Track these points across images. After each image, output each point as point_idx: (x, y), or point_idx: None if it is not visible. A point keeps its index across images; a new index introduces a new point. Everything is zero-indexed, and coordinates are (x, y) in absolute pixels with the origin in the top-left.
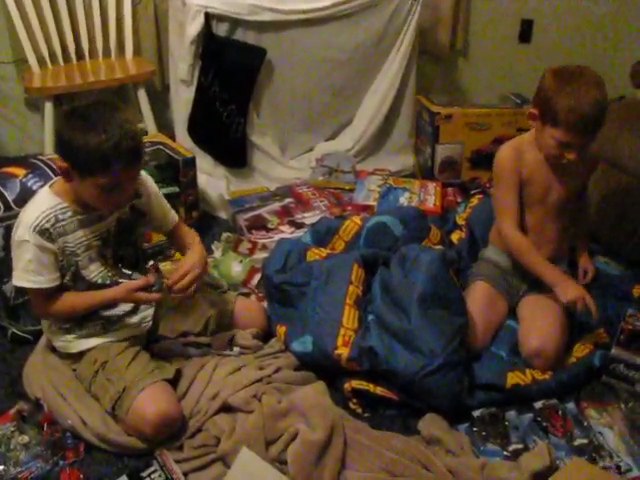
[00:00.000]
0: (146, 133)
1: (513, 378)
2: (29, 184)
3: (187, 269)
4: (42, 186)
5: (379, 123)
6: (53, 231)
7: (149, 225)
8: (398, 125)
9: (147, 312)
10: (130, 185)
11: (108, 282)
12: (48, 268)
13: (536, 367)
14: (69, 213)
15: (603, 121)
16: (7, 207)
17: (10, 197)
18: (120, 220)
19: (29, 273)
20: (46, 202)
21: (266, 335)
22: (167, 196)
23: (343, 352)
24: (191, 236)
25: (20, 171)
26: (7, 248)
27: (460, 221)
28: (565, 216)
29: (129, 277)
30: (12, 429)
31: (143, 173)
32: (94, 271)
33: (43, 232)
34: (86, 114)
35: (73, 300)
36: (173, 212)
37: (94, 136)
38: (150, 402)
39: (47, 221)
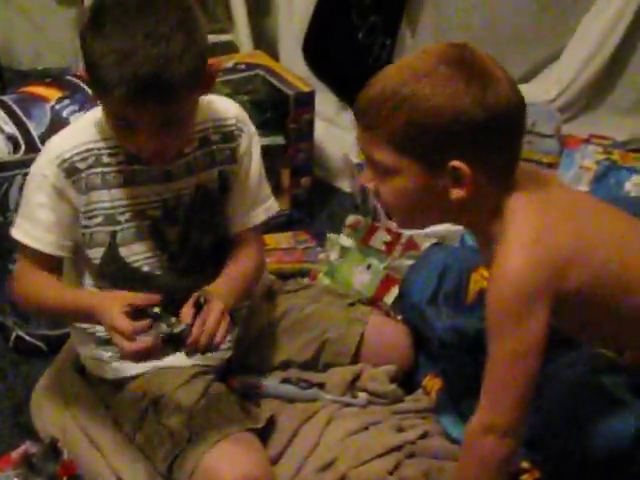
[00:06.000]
0: (237, 50)
1: None
2: (64, 114)
3: (214, 318)
4: None
5: (601, 65)
6: (86, 176)
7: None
8: (629, 71)
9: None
10: (155, 132)
11: (159, 273)
12: (61, 226)
13: None
14: (120, 157)
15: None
16: (31, 147)
17: (35, 132)
18: (200, 187)
19: (33, 223)
20: (87, 132)
21: (410, 377)
22: (266, 149)
23: None
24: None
25: (52, 93)
26: None
27: None
28: None
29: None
30: (15, 479)
31: (252, 130)
32: (139, 253)
33: (71, 171)
34: (115, 5)
35: (45, 286)
36: (259, 212)
37: (101, 39)
38: (227, 461)
39: (82, 159)
